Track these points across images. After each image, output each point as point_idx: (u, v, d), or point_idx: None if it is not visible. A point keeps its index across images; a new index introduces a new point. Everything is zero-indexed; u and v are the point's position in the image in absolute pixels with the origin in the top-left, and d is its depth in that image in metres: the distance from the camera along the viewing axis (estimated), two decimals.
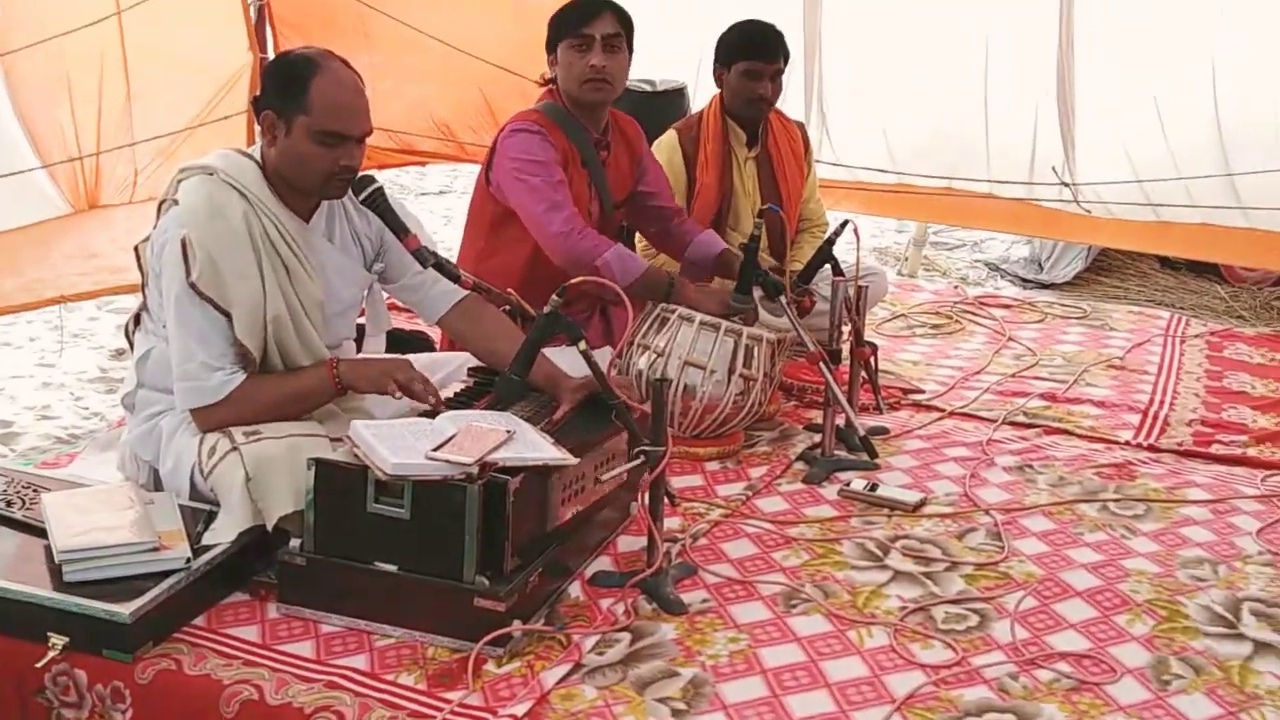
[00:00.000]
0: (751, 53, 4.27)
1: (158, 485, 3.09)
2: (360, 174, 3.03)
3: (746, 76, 4.28)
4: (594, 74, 3.77)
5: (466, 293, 3.29)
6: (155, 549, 2.69)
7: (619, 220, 4.10)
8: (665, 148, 4.39)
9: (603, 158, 3.97)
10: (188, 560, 2.71)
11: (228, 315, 2.91)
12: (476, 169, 4.06)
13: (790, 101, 4.71)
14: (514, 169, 3.77)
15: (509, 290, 3.22)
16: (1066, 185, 5.85)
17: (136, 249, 3.14)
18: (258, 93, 3.06)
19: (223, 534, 2.82)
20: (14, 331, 5.06)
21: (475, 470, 2.60)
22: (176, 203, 2.96)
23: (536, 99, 3.97)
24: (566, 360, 3.25)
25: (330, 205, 3.14)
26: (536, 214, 3.75)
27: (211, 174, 2.98)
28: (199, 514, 2.91)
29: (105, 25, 5.42)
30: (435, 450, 2.64)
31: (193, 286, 2.87)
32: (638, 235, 4.34)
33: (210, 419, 2.94)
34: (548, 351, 3.14)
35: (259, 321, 2.95)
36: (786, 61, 4.32)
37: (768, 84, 4.28)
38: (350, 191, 3.04)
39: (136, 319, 3.18)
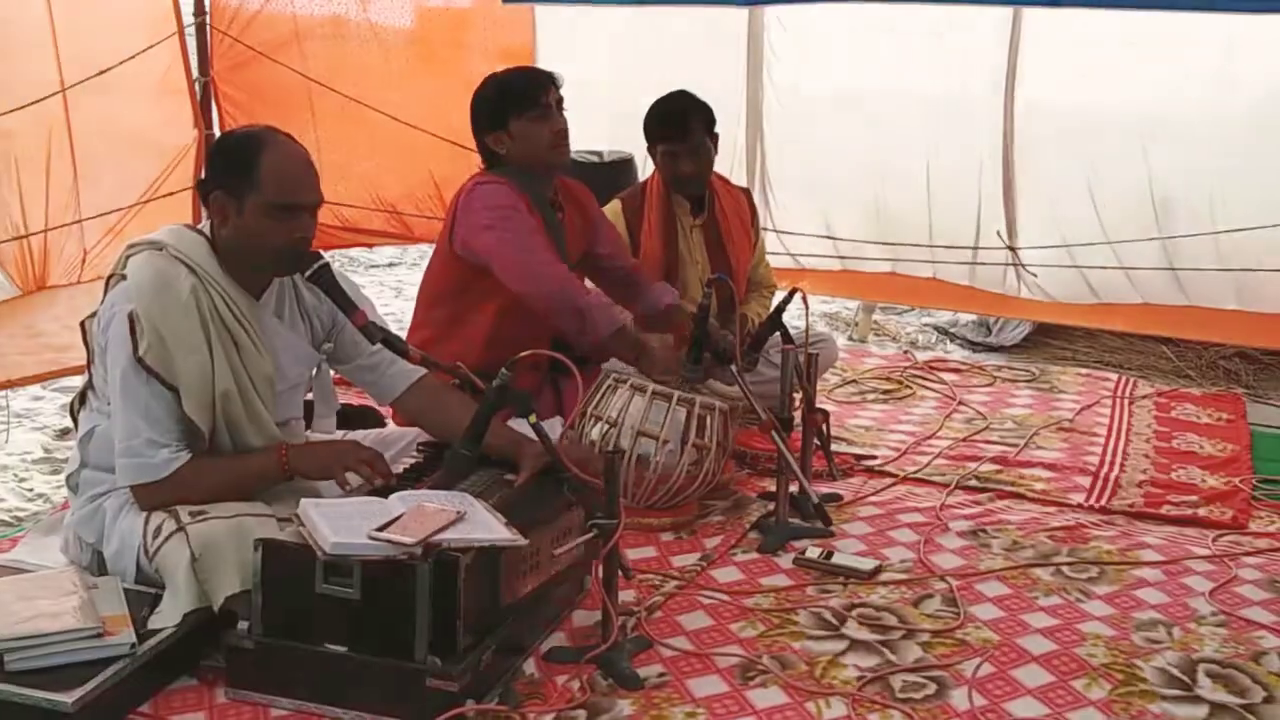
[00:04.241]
0: (665, 134, 4.36)
1: (101, 568, 3.03)
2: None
3: (667, 157, 4.37)
4: (560, 138, 3.86)
5: (423, 372, 3.27)
6: (99, 635, 2.64)
7: (579, 279, 4.11)
8: (609, 216, 4.41)
9: (559, 218, 3.99)
10: (133, 646, 2.66)
11: (175, 391, 2.88)
12: (423, 248, 4.05)
13: (734, 180, 4.78)
14: (484, 220, 3.78)
15: (457, 364, 3.20)
16: (1012, 249, 5.92)
17: (83, 325, 3.11)
18: (202, 174, 3.05)
19: (168, 616, 2.77)
20: None
21: (418, 551, 2.57)
22: (124, 278, 2.94)
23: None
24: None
25: (280, 283, 3.13)
26: (515, 258, 3.74)
27: (160, 249, 2.96)
28: (144, 597, 2.86)
29: (51, 103, 5.40)
30: (379, 530, 2.61)
31: (139, 361, 2.84)
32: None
33: (152, 497, 2.90)
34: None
35: (207, 397, 2.92)
36: (709, 127, 4.38)
37: (687, 160, 4.34)
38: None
39: (82, 397, 3.14)
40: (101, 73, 5.52)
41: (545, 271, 3.74)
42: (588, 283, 4.15)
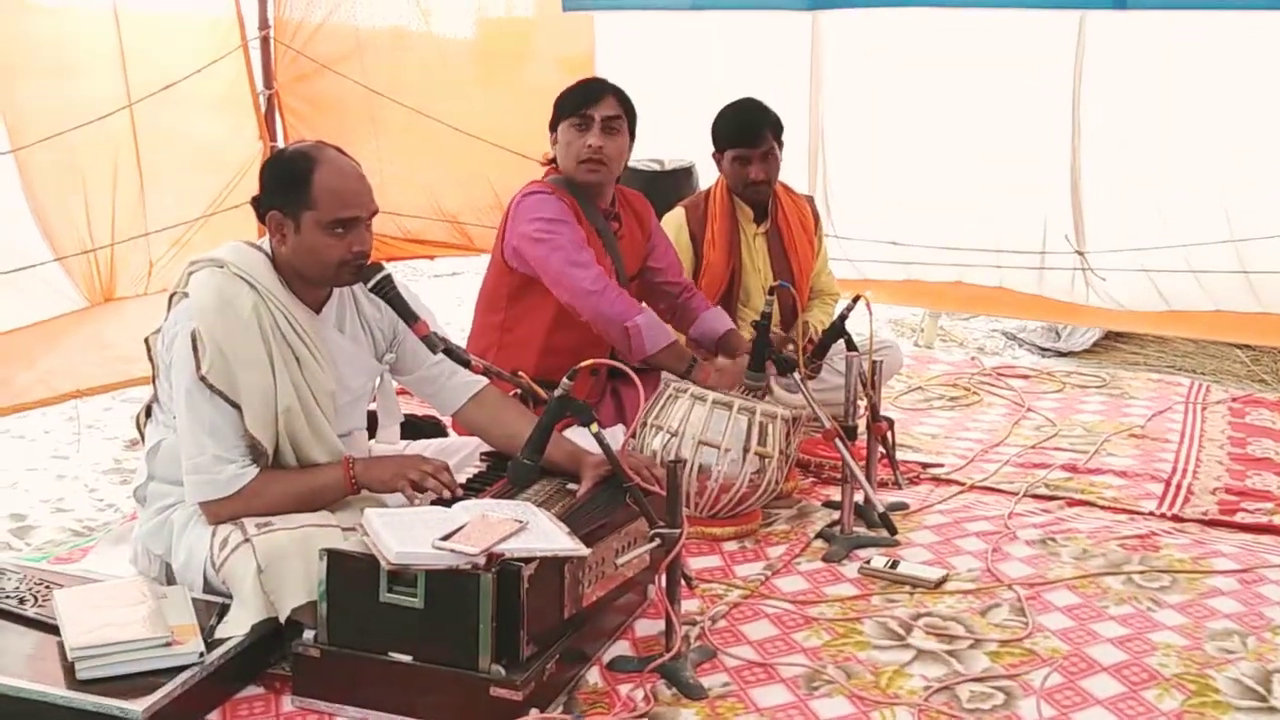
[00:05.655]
0: (737, 140, 4.34)
1: (170, 578, 3.07)
2: (369, 263, 3.03)
3: (737, 163, 4.35)
4: (590, 154, 3.83)
5: (484, 384, 3.28)
6: (168, 644, 2.67)
7: (633, 292, 4.11)
8: (673, 225, 4.41)
9: (614, 229, 3.99)
10: (201, 654, 2.68)
11: (238, 408, 2.90)
12: (485, 259, 4.07)
13: (796, 188, 4.75)
14: (533, 231, 3.78)
15: (519, 374, 3.21)
16: (1080, 254, 5.84)
17: (147, 341, 3.15)
18: (257, 193, 3.07)
19: (235, 627, 2.79)
20: (28, 424, 5.06)
21: (481, 560, 2.58)
22: (187, 295, 2.97)
23: (542, 178, 3.99)
24: (581, 441, 3.23)
25: (340, 295, 3.15)
26: (563, 272, 3.75)
27: (222, 266, 2.99)
28: (212, 607, 2.89)
29: (117, 117, 5.48)
30: (443, 540, 2.61)
31: (203, 379, 2.87)
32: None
33: (220, 512, 2.93)
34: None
35: (270, 413, 2.95)
36: (779, 134, 4.36)
37: (758, 167, 4.32)
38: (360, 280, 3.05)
39: (148, 410, 3.18)
40: (167, 87, 5.59)
41: (591, 289, 3.73)
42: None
